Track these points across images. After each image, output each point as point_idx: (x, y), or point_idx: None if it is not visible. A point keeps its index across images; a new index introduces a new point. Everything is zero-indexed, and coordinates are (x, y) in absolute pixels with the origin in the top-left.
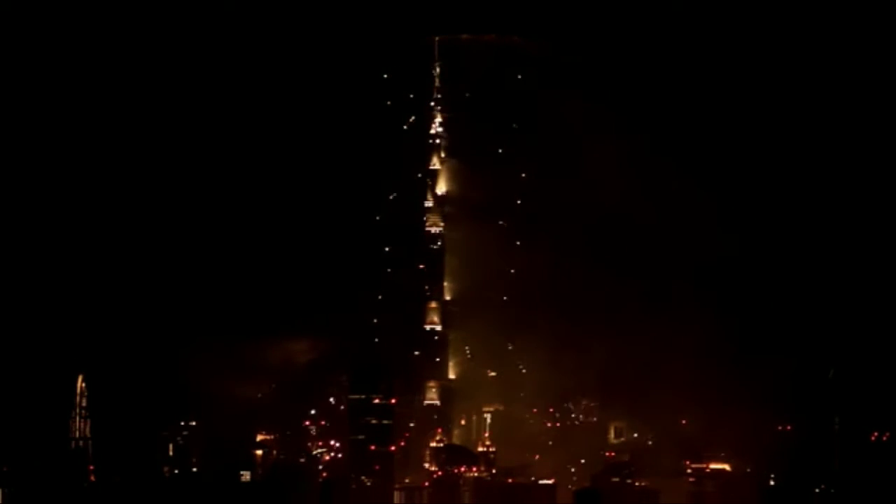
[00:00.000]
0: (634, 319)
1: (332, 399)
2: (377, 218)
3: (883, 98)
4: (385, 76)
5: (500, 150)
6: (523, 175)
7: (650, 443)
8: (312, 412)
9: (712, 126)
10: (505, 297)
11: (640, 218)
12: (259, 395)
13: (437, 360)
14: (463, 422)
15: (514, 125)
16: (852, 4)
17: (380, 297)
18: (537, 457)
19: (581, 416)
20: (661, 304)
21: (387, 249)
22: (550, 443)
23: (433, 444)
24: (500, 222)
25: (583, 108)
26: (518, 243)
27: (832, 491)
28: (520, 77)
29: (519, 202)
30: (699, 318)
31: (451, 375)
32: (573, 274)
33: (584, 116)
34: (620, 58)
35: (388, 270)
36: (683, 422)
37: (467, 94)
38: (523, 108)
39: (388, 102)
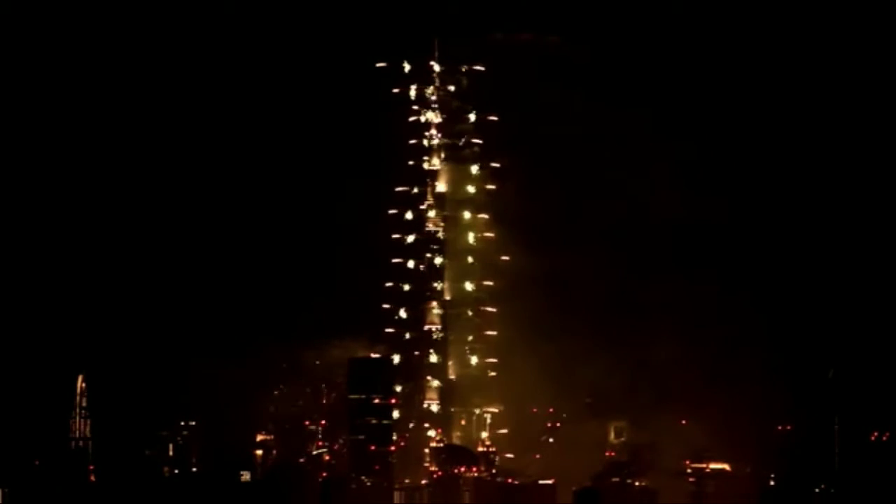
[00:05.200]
0: (638, 323)
1: (332, 399)
2: (377, 219)
3: None
4: (388, 76)
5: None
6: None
7: (650, 443)
8: (312, 412)
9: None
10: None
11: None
12: (258, 396)
13: (437, 360)
14: (463, 422)
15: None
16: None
17: (380, 297)
18: (537, 456)
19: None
20: (661, 306)
21: (387, 250)
22: (542, 439)
23: (433, 444)
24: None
25: (619, 111)
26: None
27: (832, 491)
28: (554, 80)
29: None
30: (699, 319)
31: (451, 375)
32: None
33: (623, 120)
34: (651, 58)
35: (389, 271)
36: (683, 422)
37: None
38: (556, 110)
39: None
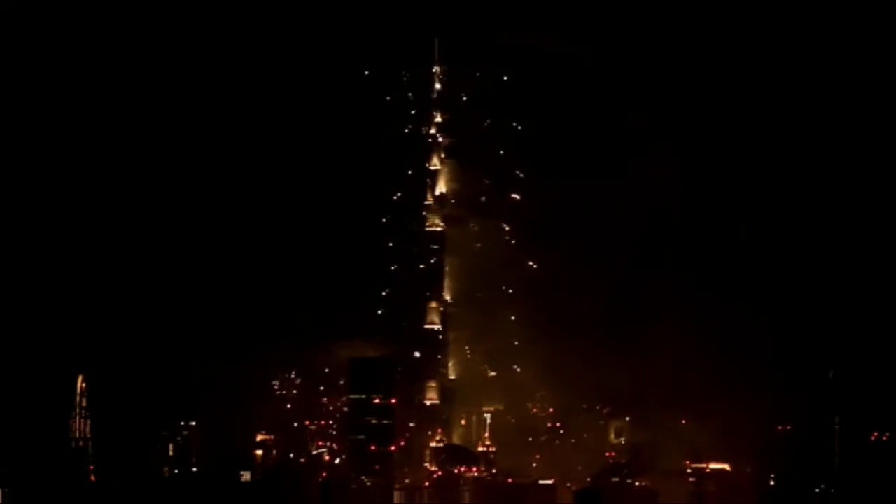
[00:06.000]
0: (639, 324)
1: (332, 399)
2: (378, 218)
3: None
4: (388, 75)
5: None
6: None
7: (650, 443)
8: (312, 412)
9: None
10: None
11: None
12: (258, 396)
13: (438, 360)
14: (463, 422)
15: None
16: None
17: (380, 297)
18: (538, 456)
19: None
20: (661, 307)
21: (387, 250)
22: (542, 439)
23: (433, 444)
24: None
25: (620, 111)
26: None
27: (832, 491)
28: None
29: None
30: (699, 319)
31: (452, 375)
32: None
33: (624, 120)
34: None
35: (389, 271)
36: (683, 422)
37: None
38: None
39: (390, 102)
